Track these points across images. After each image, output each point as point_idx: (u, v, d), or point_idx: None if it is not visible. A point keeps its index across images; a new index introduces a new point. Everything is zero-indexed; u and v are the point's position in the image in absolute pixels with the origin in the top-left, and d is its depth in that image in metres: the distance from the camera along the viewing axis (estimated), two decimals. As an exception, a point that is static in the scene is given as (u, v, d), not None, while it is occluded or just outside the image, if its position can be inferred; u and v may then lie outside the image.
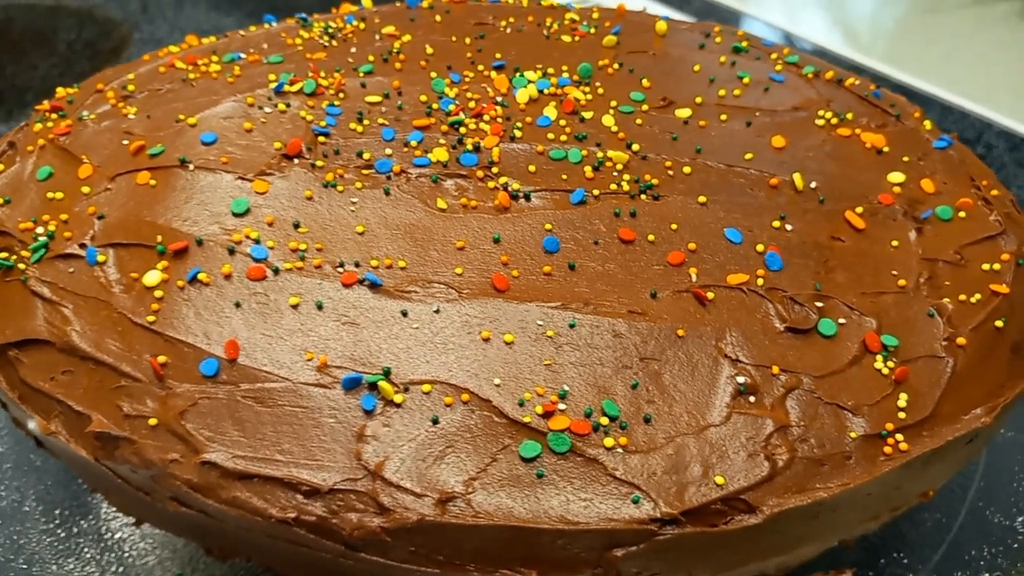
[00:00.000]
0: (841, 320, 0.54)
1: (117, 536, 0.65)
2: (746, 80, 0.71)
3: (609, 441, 0.48)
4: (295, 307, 0.53)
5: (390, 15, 0.81)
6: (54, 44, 1.44)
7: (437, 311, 0.52)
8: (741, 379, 0.50)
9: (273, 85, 0.68)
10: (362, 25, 0.78)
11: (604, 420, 0.48)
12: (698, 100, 0.68)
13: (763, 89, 0.71)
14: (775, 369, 0.51)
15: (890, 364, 0.52)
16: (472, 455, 0.47)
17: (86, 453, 0.52)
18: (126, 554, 0.64)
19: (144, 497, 0.52)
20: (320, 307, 0.53)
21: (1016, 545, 0.65)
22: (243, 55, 0.75)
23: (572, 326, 0.51)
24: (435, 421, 0.48)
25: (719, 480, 0.47)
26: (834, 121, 0.69)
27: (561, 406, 0.49)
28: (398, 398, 0.49)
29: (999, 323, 0.56)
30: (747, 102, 0.69)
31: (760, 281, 0.55)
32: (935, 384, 0.52)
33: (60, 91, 0.75)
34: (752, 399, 0.50)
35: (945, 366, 0.53)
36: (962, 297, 0.57)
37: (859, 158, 0.65)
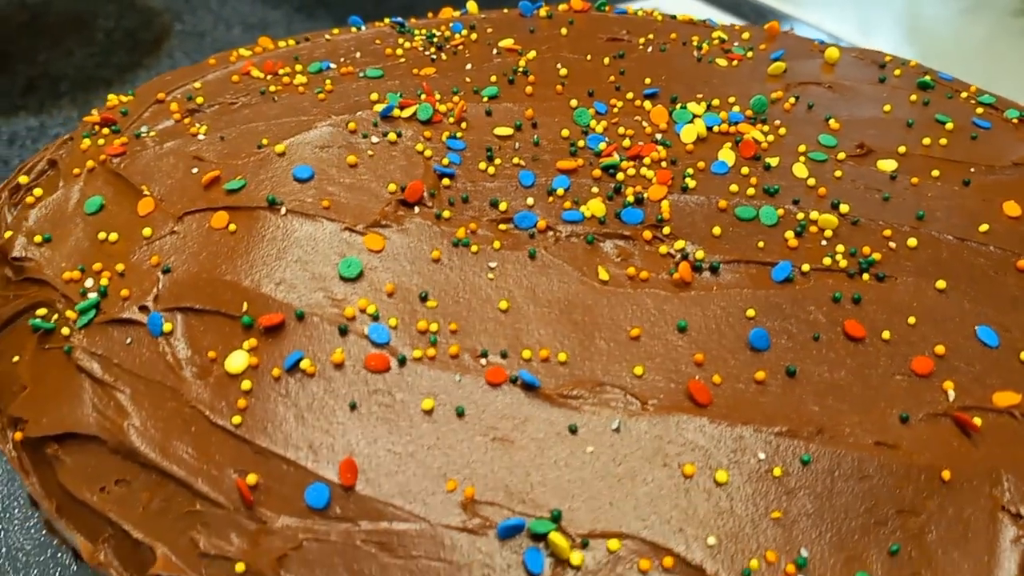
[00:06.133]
0: None
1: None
2: (949, 126, 0.58)
3: (871, 635, 0.35)
4: (429, 413, 0.40)
5: (504, 24, 0.68)
6: (92, 32, 1.34)
7: (617, 429, 0.39)
8: (1033, 546, 0.37)
9: (379, 108, 0.55)
10: (473, 36, 0.66)
11: (860, 603, 0.35)
12: (901, 150, 0.55)
13: (970, 137, 0.58)
14: (1072, 531, 0.38)
15: None
16: (681, 646, 0.35)
17: (145, 596, 0.39)
18: None
19: (219, 659, 0.39)
20: (461, 414, 0.40)
21: None
22: (332, 65, 0.62)
23: (805, 462, 0.38)
24: (628, 593, 0.35)
25: None
26: (1065, 181, 0.56)
27: (801, 580, 0.36)
28: (575, 558, 0.36)
29: None
30: (957, 154, 0.56)
31: (1036, 403, 0.42)
32: None
33: (112, 98, 0.62)
34: (1048, 574, 0.37)
35: None
36: None
37: (1110, 232, 0.52)
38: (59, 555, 0.53)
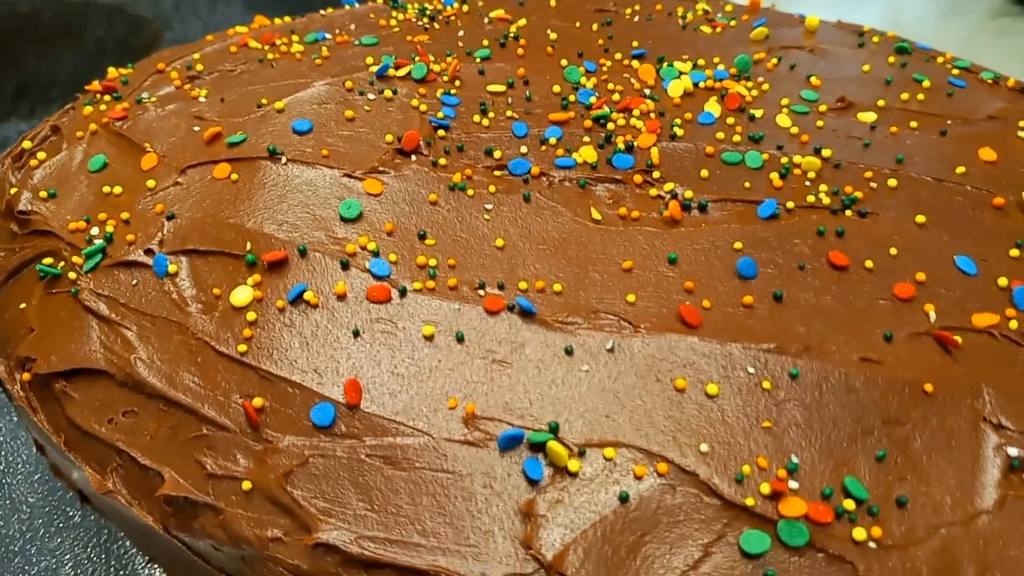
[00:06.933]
0: (1118, 377, 0.42)
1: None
2: (926, 84, 0.60)
3: (859, 532, 0.36)
4: (430, 339, 0.41)
5: (494, -1, 0.70)
6: (83, 40, 1.35)
7: (611, 349, 0.41)
8: (1014, 451, 0.39)
9: (373, 68, 0.57)
10: (465, 8, 0.67)
11: (849, 504, 0.37)
12: (880, 103, 0.57)
13: (947, 94, 0.60)
14: (1050, 439, 0.40)
15: None
16: (678, 547, 0.36)
17: (152, 520, 0.40)
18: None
19: (226, 580, 0.40)
20: (461, 339, 0.41)
21: None
22: (328, 35, 0.64)
23: (794, 376, 0.40)
24: (624, 499, 0.37)
25: (1001, 588, 0.36)
26: (1038, 133, 0.58)
27: (792, 484, 0.37)
28: (573, 465, 0.37)
29: None
30: (935, 108, 0.58)
31: (1013, 324, 0.43)
32: None
33: (112, 71, 0.64)
34: (1028, 478, 0.39)
35: None
36: None
37: (1082, 177, 0.54)
38: (63, 507, 0.54)
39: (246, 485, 0.38)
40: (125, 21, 1.42)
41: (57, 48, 1.32)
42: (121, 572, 0.50)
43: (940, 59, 0.67)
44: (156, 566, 0.52)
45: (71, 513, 0.53)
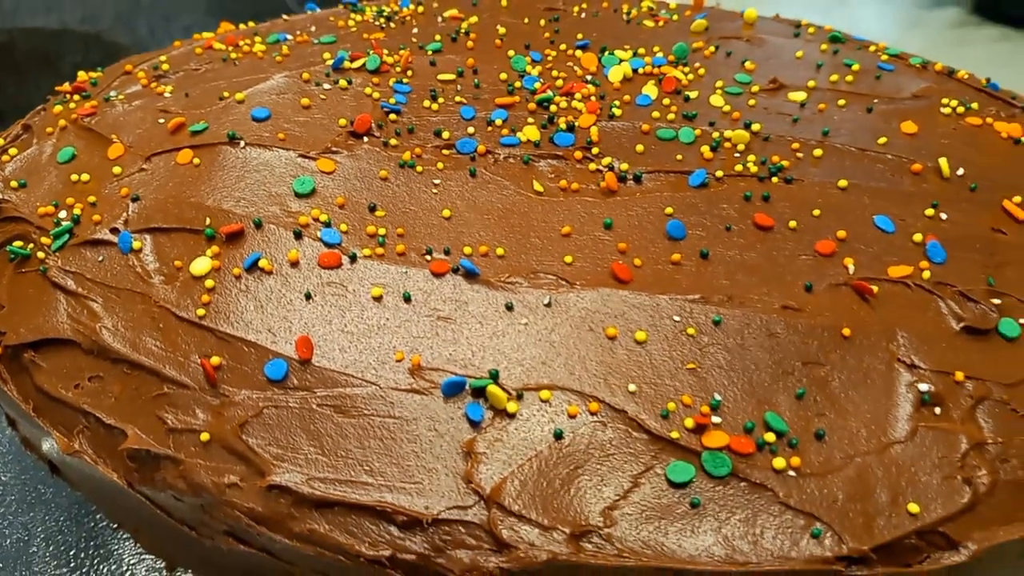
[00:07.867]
0: (1023, 320, 0.45)
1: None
2: (855, 67, 0.64)
3: (779, 462, 0.38)
4: (378, 299, 0.44)
5: (448, 0, 0.73)
6: (59, 67, 1.37)
7: (548, 304, 0.43)
8: (925, 387, 0.42)
9: (330, 62, 0.60)
10: (420, 9, 0.71)
11: (769, 436, 0.39)
12: (811, 84, 0.60)
13: (875, 77, 0.64)
14: (959, 376, 0.42)
15: (1090, 372, 0.44)
16: (608, 478, 0.38)
17: (117, 477, 0.42)
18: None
19: (188, 533, 0.42)
20: (408, 299, 0.44)
21: None
22: (289, 36, 0.67)
23: (717, 323, 0.42)
24: (559, 436, 0.39)
25: (912, 509, 0.38)
26: (960, 110, 0.61)
27: (715, 419, 0.40)
28: (511, 407, 0.40)
29: None
30: (862, 89, 0.61)
31: (926, 275, 0.46)
32: None
33: (82, 75, 0.66)
34: (938, 411, 0.41)
35: None
36: None
37: (999, 147, 0.58)
38: (35, 484, 0.55)
39: (204, 437, 0.40)
40: (101, 48, 1.44)
41: (34, 75, 1.34)
42: (92, 542, 0.52)
43: (872, 48, 0.70)
44: (127, 536, 0.53)
45: (42, 490, 0.55)
